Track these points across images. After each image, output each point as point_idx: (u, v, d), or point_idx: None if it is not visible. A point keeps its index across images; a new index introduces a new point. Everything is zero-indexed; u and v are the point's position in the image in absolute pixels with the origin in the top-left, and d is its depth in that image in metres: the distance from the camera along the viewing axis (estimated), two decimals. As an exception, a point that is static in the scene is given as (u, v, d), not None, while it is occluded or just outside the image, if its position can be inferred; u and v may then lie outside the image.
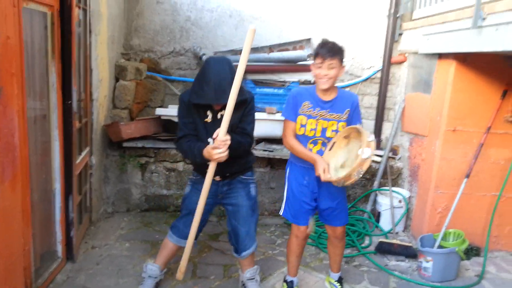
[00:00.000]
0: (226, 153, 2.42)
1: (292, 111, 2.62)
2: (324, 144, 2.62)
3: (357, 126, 2.53)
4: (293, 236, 2.81)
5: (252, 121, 2.68)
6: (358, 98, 2.72)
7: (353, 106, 2.64)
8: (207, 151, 2.43)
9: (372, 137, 2.41)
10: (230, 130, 2.53)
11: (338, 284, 2.97)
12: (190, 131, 2.60)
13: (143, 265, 2.92)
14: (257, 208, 2.85)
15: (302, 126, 2.61)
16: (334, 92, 2.62)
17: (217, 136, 2.40)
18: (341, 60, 2.52)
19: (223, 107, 2.48)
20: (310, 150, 2.62)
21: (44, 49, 2.72)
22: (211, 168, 2.47)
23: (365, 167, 2.36)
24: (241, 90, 2.46)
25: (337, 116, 2.60)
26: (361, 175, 2.39)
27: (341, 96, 2.64)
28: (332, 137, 2.60)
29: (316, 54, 2.53)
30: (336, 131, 2.60)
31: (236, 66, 2.32)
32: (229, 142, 2.41)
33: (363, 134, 2.41)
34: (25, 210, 2.42)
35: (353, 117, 2.64)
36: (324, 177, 2.42)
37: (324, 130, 2.60)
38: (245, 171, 2.76)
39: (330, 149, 2.57)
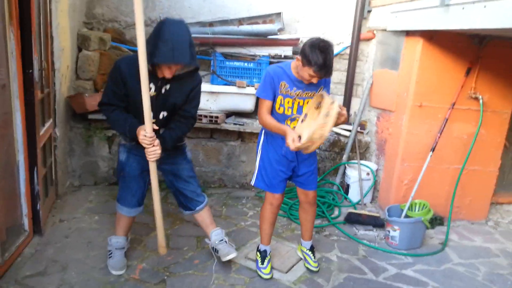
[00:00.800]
0: (159, 150, 2.47)
1: (268, 90, 2.60)
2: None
3: (322, 92, 2.53)
4: (268, 203, 2.83)
5: (197, 105, 2.69)
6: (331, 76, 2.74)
7: (326, 82, 2.69)
8: (140, 133, 2.40)
9: (334, 101, 2.41)
10: (173, 108, 2.54)
11: (310, 252, 3.03)
12: (118, 103, 2.49)
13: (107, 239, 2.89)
14: (194, 170, 2.92)
15: (281, 105, 2.63)
16: None
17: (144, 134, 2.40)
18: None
19: (167, 80, 2.44)
20: (288, 126, 2.62)
21: (0, 14, 2.53)
22: (152, 167, 2.51)
23: (326, 127, 2.34)
24: (195, 57, 2.41)
25: (312, 94, 2.63)
26: (324, 138, 2.38)
27: None
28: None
29: (314, 69, 2.40)
30: None
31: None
32: (158, 149, 2.45)
33: (325, 99, 2.41)
34: (-12, 182, 2.30)
35: (325, 89, 2.69)
36: (292, 146, 2.41)
37: (300, 108, 2.63)
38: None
39: (302, 121, 2.57)
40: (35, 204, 2.96)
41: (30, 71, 2.80)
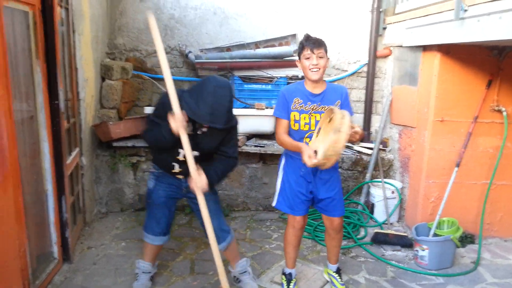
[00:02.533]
0: (205, 181, 2.44)
1: (283, 109, 2.63)
2: None
3: (331, 107, 2.50)
4: (290, 226, 2.81)
5: (235, 145, 2.70)
6: (347, 89, 2.74)
7: (343, 97, 2.66)
8: (172, 120, 2.35)
9: (346, 115, 2.35)
10: (209, 149, 2.57)
11: (337, 274, 2.97)
12: None
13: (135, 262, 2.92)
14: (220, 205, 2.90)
15: (296, 122, 2.63)
16: (323, 85, 2.65)
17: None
18: (326, 51, 2.58)
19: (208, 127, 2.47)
20: (307, 143, 2.61)
21: (27, 49, 2.64)
22: (200, 200, 2.46)
23: (339, 143, 2.31)
24: (232, 118, 2.49)
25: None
26: (339, 153, 2.36)
27: (330, 88, 2.67)
28: None
29: (302, 47, 2.57)
30: None
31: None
32: (204, 182, 2.43)
33: (336, 114, 2.37)
34: (18, 212, 2.36)
35: (344, 108, 2.62)
36: (309, 162, 2.40)
37: (317, 123, 2.61)
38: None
39: (317, 135, 2.56)
40: (64, 232, 3.02)
41: (56, 102, 2.90)
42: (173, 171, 2.59)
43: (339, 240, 2.93)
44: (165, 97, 2.48)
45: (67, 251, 3.07)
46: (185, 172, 2.56)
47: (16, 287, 2.36)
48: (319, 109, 2.61)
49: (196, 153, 2.54)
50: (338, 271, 3.00)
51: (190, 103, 2.36)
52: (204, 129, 2.52)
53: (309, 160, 2.38)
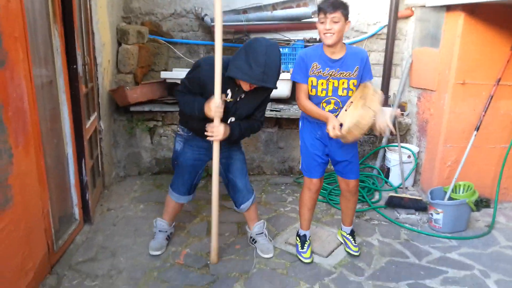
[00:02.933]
0: (221, 132, 2.47)
1: (302, 73, 2.60)
2: (336, 104, 2.61)
3: (366, 83, 2.50)
4: (306, 188, 2.85)
5: (265, 110, 2.74)
6: (367, 54, 2.66)
7: (363, 62, 2.58)
8: (209, 107, 2.41)
9: (378, 92, 2.40)
10: (245, 115, 2.61)
11: (351, 236, 3.02)
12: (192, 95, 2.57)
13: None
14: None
15: (313, 87, 2.60)
16: (343, 49, 2.57)
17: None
18: (344, 14, 2.45)
19: (247, 92, 2.49)
20: (323, 109, 2.62)
21: (45, 13, 2.65)
22: (215, 147, 2.52)
23: (365, 120, 2.35)
24: (279, 77, 2.47)
25: (347, 74, 2.57)
26: (364, 130, 2.40)
27: (350, 53, 2.59)
28: (343, 96, 2.59)
29: (318, 10, 2.50)
30: (348, 89, 2.58)
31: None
32: (221, 132, 2.46)
33: (368, 90, 2.39)
34: (41, 174, 2.45)
35: (364, 74, 2.60)
36: (332, 133, 2.44)
37: (335, 89, 2.59)
38: None
39: (346, 110, 2.55)
40: (84, 194, 3.12)
41: (75, 66, 2.93)
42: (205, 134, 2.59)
43: (354, 202, 2.96)
44: (203, 65, 2.46)
45: (87, 213, 3.19)
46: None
47: (41, 246, 2.48)
48: (338, 75, 2.57)
49: (232, 118, 2.60)
50: (352, 233, 3.05)
51: (242, 66, 2.36)
52: (243, 95, 2.54)
53: (333, 131, 2.43)
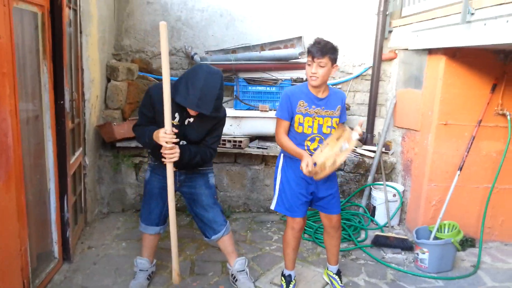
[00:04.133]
0: (176, 154, 2.47)
1: (286, 110, 2.65)
2: (321, 141, 2.66)
3: (343, 125, 2.60)
4: (289, 228, 2.82)
5: (217, 137, 2.77)
6: (345, 95, 2.82)
7: (343, 102, 2.73)
8: (156, 135, 2.45)
9: (355, 135, 2.51)
10: (195, 140, 2.65)
11: (337, 276, 2.98)
12: (145, 123, 2.64)
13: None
14: (217, 197, 2.96)
15: (300, 124, 2.65)
16: (327, 89, 2.68)
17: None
18: (332, 59, 2.54)
19: (195, 116, 2.55)
20: (308, 147, 2.66)
21: (35, 49, 2.69)
22: (169, 169, 2.50)
23: (339, 159, 2.47)
24: (220, 107, 2.58)
25: (331, 113, 2.66)
26: (336, 166, 2.50)
27: (332, 93, 2.71)
28: (327, 133, 2.66)
29: (308, 52, 2.58)
30: (331, 127, 2.67)
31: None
32: (177, 152, 2.47)
33: (346, 132, 2.50)
34: (21, 211, 2.40)
35: (342, 113, 2.74)
36: (305, 170, 2.48)
37: (320, 127, 2.66)
38: (203, 164, 2.81)
39: (321, 151, 2.59)
40: (65, 231, 3.06)
41: (62, 102, 2.94)
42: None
43: (338, 238, 2.94)
44: (152, 89, 2.57)
45: (67, 251, 3.11)
46: (178, 164, 2.61)
47: (16, 285, 2.39)
48: (323, 113, 2.64)
49: (184, 142, 2.63)
50: (338, 273, 3.01)
51: (180, 89, 2.45)
52: (191, 119, 2.58)
53: (306, 168, 2.47)
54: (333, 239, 2.93)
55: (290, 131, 2.70)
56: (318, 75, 2.52)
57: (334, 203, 2.80)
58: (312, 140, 2.66)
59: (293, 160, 2.73)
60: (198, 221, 2.88)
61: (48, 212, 2.90)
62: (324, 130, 2.65)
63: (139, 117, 2.70)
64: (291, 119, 2.66)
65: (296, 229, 2.80)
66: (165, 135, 2.42)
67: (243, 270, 2.94)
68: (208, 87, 2.42)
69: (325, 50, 2.50)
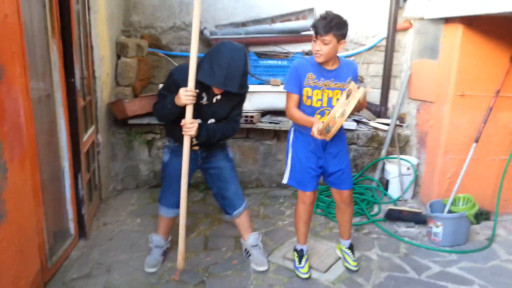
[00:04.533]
0: (194, 128, 2.45)
1: (294, 83, 2.60)
2: None
3: (348, 84, 2.45)
4: (300, 202, 2.83)
5: (241, 111, 2.77)
6: (357, 66, 2.73)
7: (354, 74, 2.65)
8: (178, 96, 2.41)
9: (360, 87, 2.39)
10: (220, 118, 2.63)
11: (349, 250, 2.99)
12: None
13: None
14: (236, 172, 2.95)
15: (308, 97, 2.60)
16: (337, 61, 2.61)
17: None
18: (338, 36, 2.43)
19: (221, 93, 2.53)
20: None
21: (43, 27, 2.67)
22: (186, 142, 2.48)
23: (348, 108, 2.33)
24: (244, 86, 2.54)
25: (341, 85, 2.59)
26: (345, 117, 2.35)
27: (343, 64, 2.63)
28: None
29: (312, 27, 2.49)
30: None
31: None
32: (196, 126, 2.45)
33: (352, 85, 2.39)
34: (36, 189, 2.44)
35: None
36: (316, 131, 2.41)
37: (330, 100, 2.60)
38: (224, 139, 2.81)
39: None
40: (80, 209, 3.11)
41: (72, 80, 2.94)
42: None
43: (350, 214, 2.94)
44: (175, 71, 2.56)
45: (83, 228, 3.16)
46: (201, 143, 2.63)
47: (34, 263, 2.45)
48: (332, 86, 2.58)
49: (213, 120, 2.63)
50: (350, 247, 3.02)
51: (206, 69, 2.42)
52: (218, 97, 2.57)
53: (317, 130, 2.39)
54: (344, 214, 2.92)
55: (299, 105, 2.65)
56: (322, 52, 2.45)
57: (344, 178, 2.78)
58: (322, 113, 2.62)
59: (302, 134, 2.70)
60: (220, 198, 2.88)
61: (62, 190, 2.94)
62: (334, 103, 2.59)
63: (159, 98, 2.64)
64: (300, 92, 2.61)
65: (307, 203, 2.80)
66: (187, 93, 2.38)
67: (257, 245, 2.97)
68: (234, 65, 2.39)
69: (329, 26, 2.39)
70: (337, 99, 2.59)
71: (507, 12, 2.82)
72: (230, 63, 2.39)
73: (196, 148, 2.70)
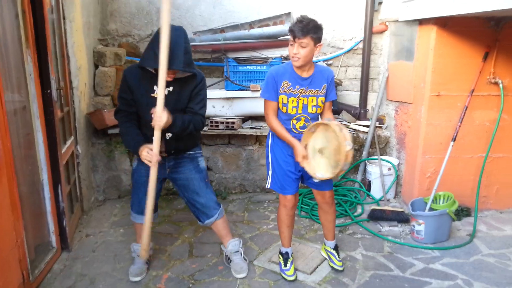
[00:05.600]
0: (164, 118, 2.38)
1: (272, 90, 2.61)
2: (306, 120, 2.66)
3: (333, 123, 2.49)
4: (282, 206, 2.84)
5: (202, 102, 2.68)
6: (333, 73, 2.75)
7: (329, 80, 2.67)
8: (141, 152, 2.48)
9: (349, 144, 2.43)
10: (178, 109, 2.57)
11: (334, 251, 3.01)
12: (126, 108, 2.62)
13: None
14: (208, 180, 2.92)
15: (284, 105, 2.63)
16: (312, 68, 2.63)
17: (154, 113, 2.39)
18: (314, 39, 2.46)
19: (170, 82, 2.51)
20: (294, 125, 2.67)
21: (17, 38, 2.62)
22: (156, 136, 2.44)
23: (337, 171, 2.48)
24: (191, 62, 2.48)
25: (316, 92, 2.63)
26: (345, 168, 2.50)
27: (318, 71, 2.65)
28: (313, 113, 2.66)
29: (289, 31, 2.50)
30: (317, 106, 2.65)
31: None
32: (165, 119, 2.38)
33: (339, 135, 2.42)
34: (14, 203, 2.38)
35: (329, 92, 2.69)
36: (302, 164, 2.56)
37: (305, 107, 2.64)
38: (192, 147, 2.79)
39: (310, 131, 2.58)
40: (61, 221, 3.05)
41: (49, 91, 2.90)
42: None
43: (332, 214, 2.96)
44: (127, 72, 2.58)
45: (65, 240, 3.11)
46: (168, 148, 2.63)
47: (15, 277, 2.40)
48: (307, 93, 2.62)
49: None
50: (335, 248, 3.04)
51: (149, 55, 2.43)
52: (170, 88, 2.54)
53: (303, 161, 2.53)
54: (327, 214, 2.95)
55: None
56: (300, 55, 2.47)
57: (325, 180, 2.79)
58: (298, 119, 2.66)
59: (280, 140, 2.72)
60: (191, 206, 2.88)
61: (42, 202, 2.89)
62: (309, 109, 2.64)
63: (119, 103, 2.66)
64: (277, 100, 2.63)
65: (288, 207, 2.82)
66: (148, 155, 2.45)
67: (237, 251, 2.95)
68: (173, 43, 2.34)
69: (306, 29, 2.42)
70: (312, 106, 2.64)
71: (478, 13, 2.89)
72: (169, 43, 2.32)
73: (164, 155, 2.66)
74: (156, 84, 2.45)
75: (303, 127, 2.65)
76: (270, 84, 2.60)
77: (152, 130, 2.45)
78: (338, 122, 2.52)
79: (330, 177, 2.54)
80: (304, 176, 2.82)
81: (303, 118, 2.64)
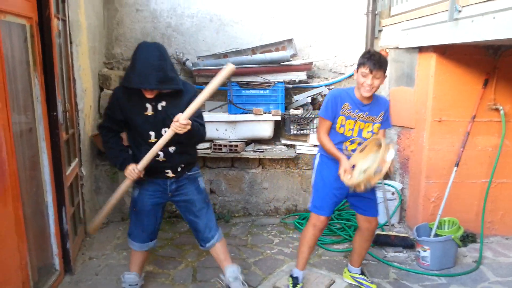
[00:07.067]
0: (188, 126, 2.39)
1: (330, 110, 2.69)
2: (359, 145, 2.71)
3: (382, 140, 2.56)
4: (311, 225, 2.81)
5: (201, 115, 2.68)
6: (389, 102, 2.85)
7: (386, 109, 2.77)
8: (128, 168, 2.51)
9: (390, 156, 2.49)
10: (170, 123, 2.49)
11: (363, 276, 3.02)
12: (112, 125, 2.61)
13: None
14: (209, 200, 2.89)
15: (342, 126, 2.71)
16: (372, 96, 2.72)
17: (178, 119, 2.37)
18: (385, 71, 2.61)
19: (162, 97, 2.49)
20: (346, 147, 2.73)
21: (25, 61, 2.66)
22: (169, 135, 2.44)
23: (374, 180, 2.47)
24: (168, 79, 2.43)
25: (373, 119, 2.72)
26: (371, 185, 2.51)
27: (377, 100, 2.76)
28: (367, 138, 2.71)
29: (362, 64, 2.59)
30: (372, 132, 2.72)
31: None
32: (189, 127, 2.39)
33: (383, 149, 2.48)
34: (19, 224, 2.36)
35: (385, 119, 2.77)
36: (342, 177, 2.55)
37: (360, 131, 2.72)
38: (191, 166, 2.76)
39: (361, 151, 2.64)
40: (65, 243, 3.02)
41: (55, 113, 2.91)
42: (160, 170, 2.63)
43: (370, 242, 3.00)
44: (117, 91, 2.58)
45: (68, 263, 3.07)
46: (171, 164, 2.61)
47: (18, 299, 2.36)
48: (365, 118, 2.70)
49: (166, 129, 2.48)
50: (363, 272, 3.05)
51: (126, 75, 2.46)
52: (163, 103, 2.52)
53: (344, 174, 2.53)
54: (366, 242, 2.96)
55: (331, 131, 2.74)
56: (374, 86, 2.58)
57: (372, 205, 2.84)
58: (352, 142, 2.72)
59: (329, 159, 2.76)
60: (193, 230, 2.84)
61: (47, 224, 2.86)
62: (364, 134, 2.72)
63: (104, 117, 2.66)
64: (334, 120, 2.70)
65: (318, 228, 2.80)
66: (132, 172, 2.48)
67: (237, 278, 2.82)
68: (145, 62, 2.35)
69: (381, 63, 2.56)
70: (368, 132, 2.71)
71: (476, 41, 2.96)
72: (141, 62, 2.36)
73: (171, 175, 2.64)
74: (148, 101, 2.50)
75: (354, 150, 2.70)
76: (330, 104, 2.68)
77: (144, 151, 2.49)
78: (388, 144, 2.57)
79: (359, 180, 2.48)
80: (352, 200, 2.85)
81: (357, 142, 2.70)
